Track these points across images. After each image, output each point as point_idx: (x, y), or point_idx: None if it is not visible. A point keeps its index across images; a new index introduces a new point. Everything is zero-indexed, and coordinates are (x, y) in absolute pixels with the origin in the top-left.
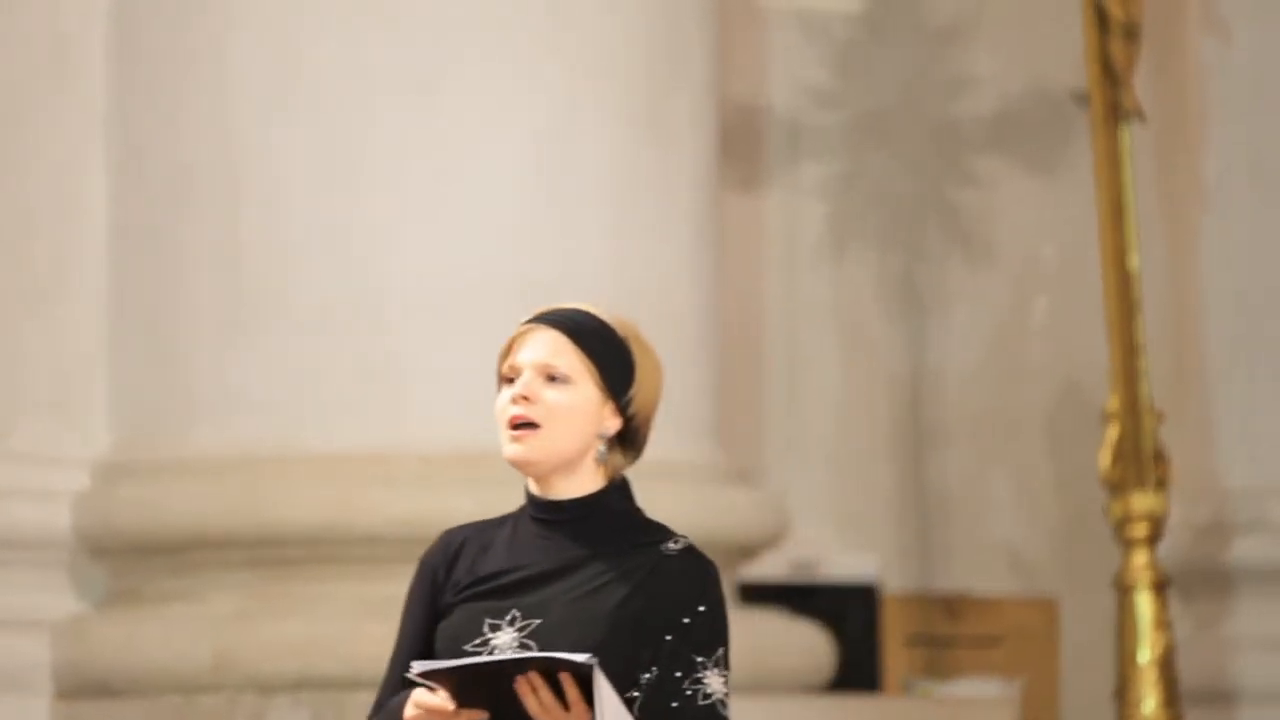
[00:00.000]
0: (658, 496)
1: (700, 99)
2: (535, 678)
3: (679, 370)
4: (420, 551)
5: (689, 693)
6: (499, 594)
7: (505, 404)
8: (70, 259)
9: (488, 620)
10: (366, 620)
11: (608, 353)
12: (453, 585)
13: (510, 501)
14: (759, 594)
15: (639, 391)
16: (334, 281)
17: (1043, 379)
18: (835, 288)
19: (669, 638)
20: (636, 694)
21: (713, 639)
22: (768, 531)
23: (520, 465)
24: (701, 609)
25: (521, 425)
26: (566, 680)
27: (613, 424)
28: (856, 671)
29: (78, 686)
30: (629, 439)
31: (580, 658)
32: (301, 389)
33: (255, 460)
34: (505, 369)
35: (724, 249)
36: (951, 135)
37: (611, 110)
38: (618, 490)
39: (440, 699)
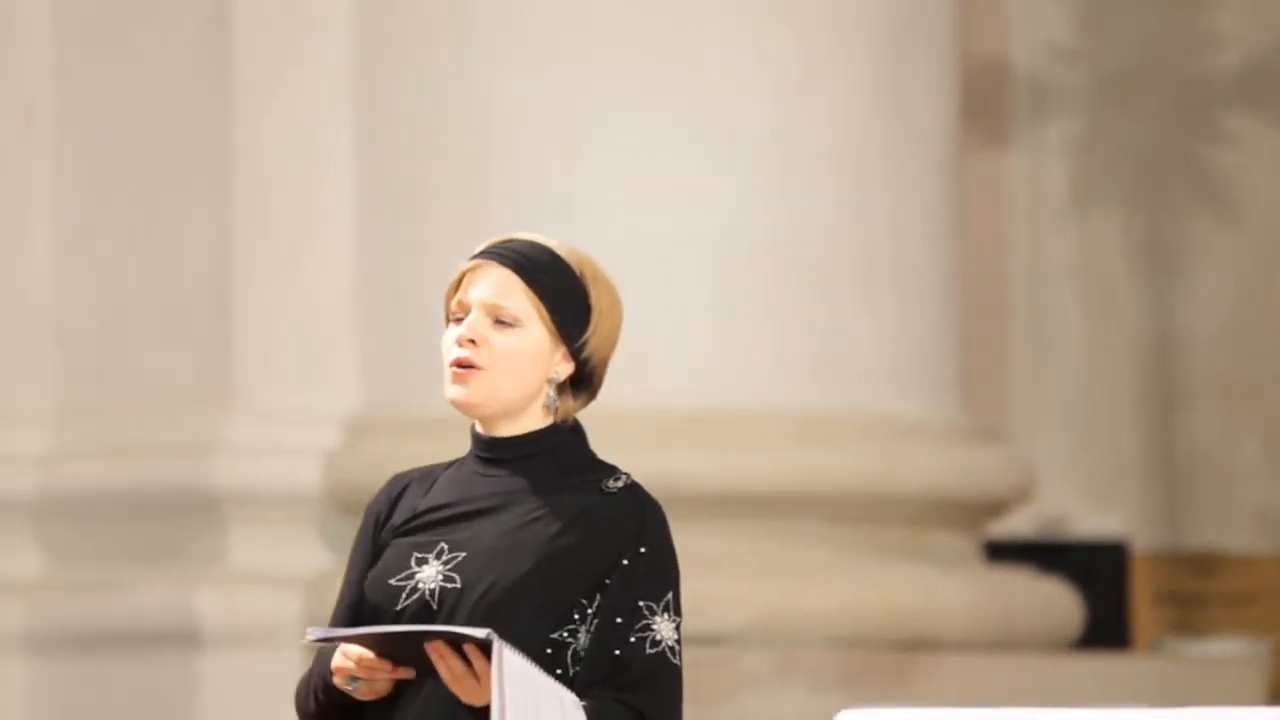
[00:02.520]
0: (902, 455)
1: (941, 58)
2: (441, 646)
3: (920, 329)
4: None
5: (633, 640)
6: (429, 528)
7: (449, 345)
8: (317, 220)
9: (415, 554)
10: None
11: (561, 293)
12: (390, 526)
13: (744, 462)
14: (1006, 552)
15: (594, 334)
16: (580, 240)
17: None
18: (1080, 247)
19: (608, 581)
20: (566, 635)
21: (658, 581)
22: (1014, 490)
23: (461, 407)
24: (642, 550)
25: (465, 366)
26: (472, 651)
27: (564, 368)
28: (1105, 630)
29: None
30: (582, 382)
31: (479, 632)
32: None
33: None
34: (453, 305)
35: (967, 208)
36: (1196, 92)
37: (851, 70)
38: (567, 430)
39: (367, 650)
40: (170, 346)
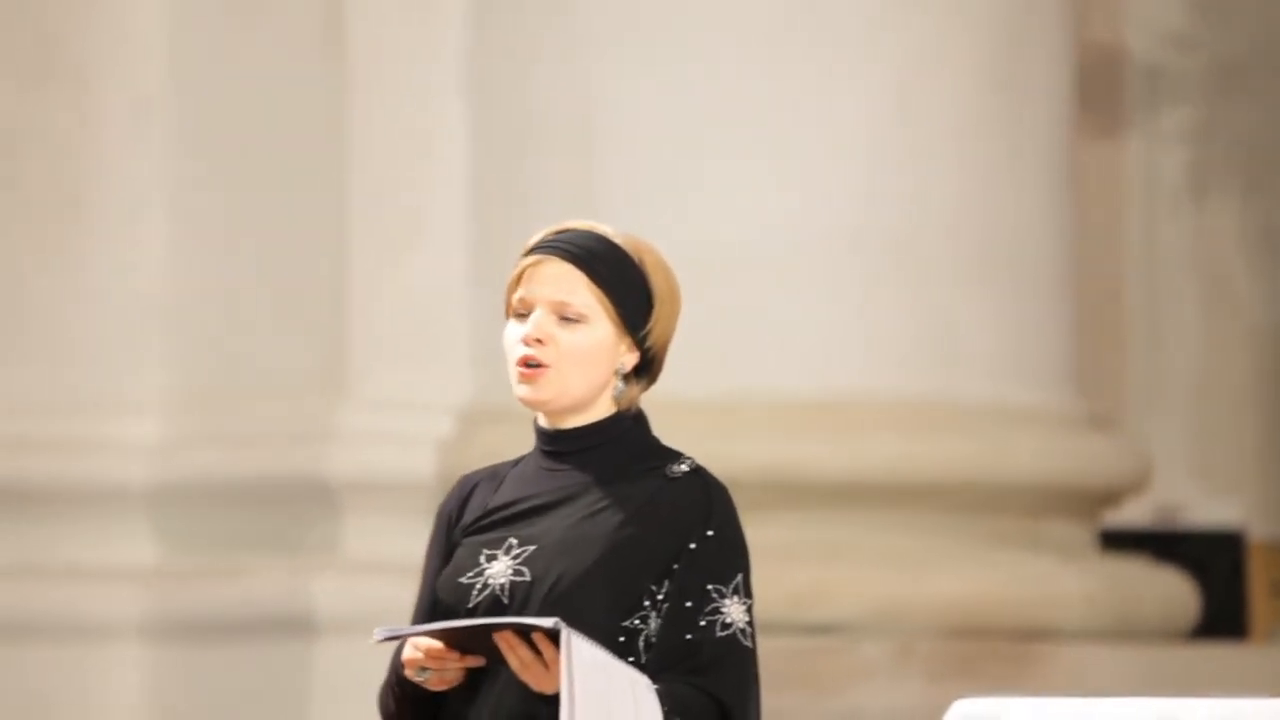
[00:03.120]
0: (1018, 444)
1: (1055, 46)
2: (510, 637)
3: (1036, 317)
4: (777, 498)
5: (704, 624)
6: (499, 525)
7: (515, 343)
8: (430, 207)
9: (484, 552)
10: None
11: (625, 286)
12: (461, 526)
13: (860, 450)
14: (1121, 541)
15: (657, 323)
16: (685, 229)
17: None
18: (1196, 236)
19: (676, 566)
20: (638, 622)
21: (727, 564)
22: (1129, 478)
23: (532, 405)
24: (710, 533)
25: (533, 365)
26: (540, 640)
27: (630, 359)
28: (1221, 620)
29: None
30: (644, 368)
31: (546, 622)
32: None
33: None
34: (515, 302)
35: (1082, 196)
36: None
37: (964, 58)
38: (630, 419)
39: (432, 641)
40: (285, 335)
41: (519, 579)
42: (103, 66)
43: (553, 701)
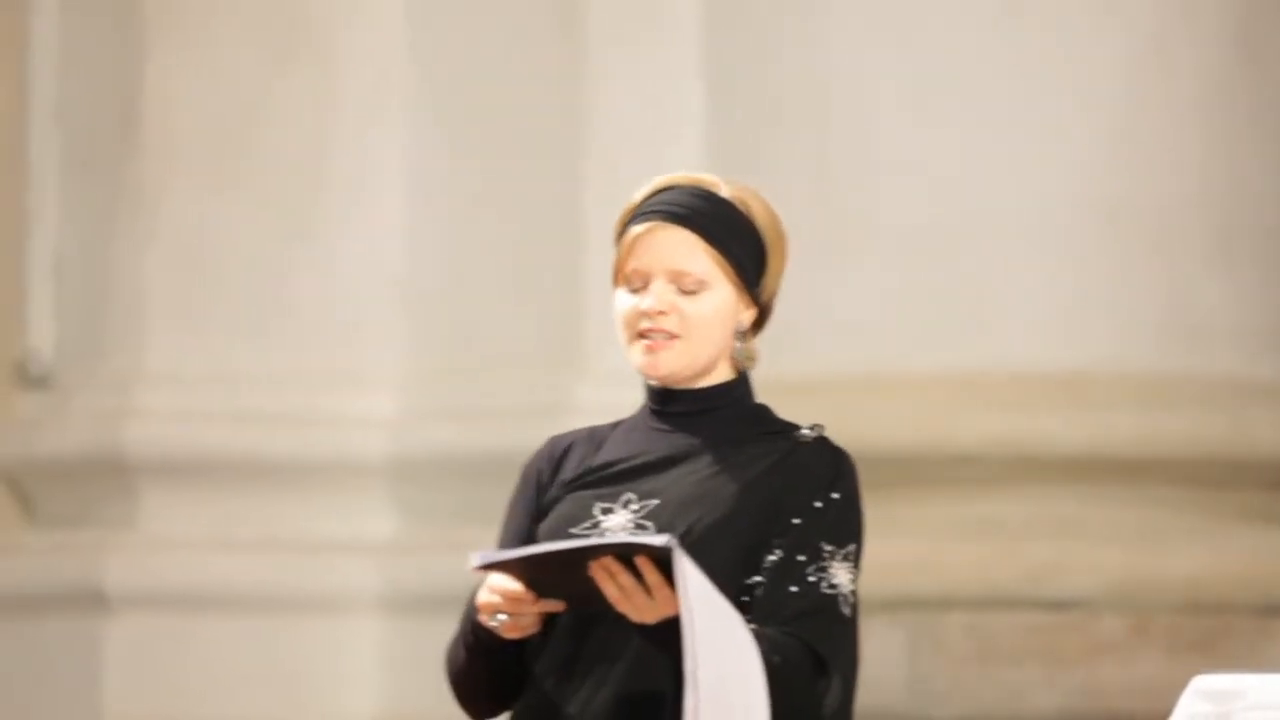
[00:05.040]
0: (1257, 419)
1: None
2: (611, 562)
3: (1276, 291)
4: (1016, 472)
5: (812, 579)
6: (612, 480)
7: (632, 314)
8: None
9: (599, 504)
10: (960, 541)
11: (740, 245)
12: (559, 483)
13: (1098, 425)
14: None
15: (770, 274)
16: (922, 203)
17: None
18: None
19: (796, 521)
20: (760, 579)
21: (845, 530)
22: None
23: (661, 378)
24: (835, 495)
25: (657, 334)
26: (644, 564)
27: (748, 316)
28: None
29: None
30: (757, 321)
31: (658, 540)
32: (891, 311)
33: (846, 381)
34: (628, 271)
35: None
36: None
37: (1207, 29)
38: (744, 383)
39: (513, 583)
40: (521, 310)
41: (642, 530)
42: (344, 44)
43: (655, 635)
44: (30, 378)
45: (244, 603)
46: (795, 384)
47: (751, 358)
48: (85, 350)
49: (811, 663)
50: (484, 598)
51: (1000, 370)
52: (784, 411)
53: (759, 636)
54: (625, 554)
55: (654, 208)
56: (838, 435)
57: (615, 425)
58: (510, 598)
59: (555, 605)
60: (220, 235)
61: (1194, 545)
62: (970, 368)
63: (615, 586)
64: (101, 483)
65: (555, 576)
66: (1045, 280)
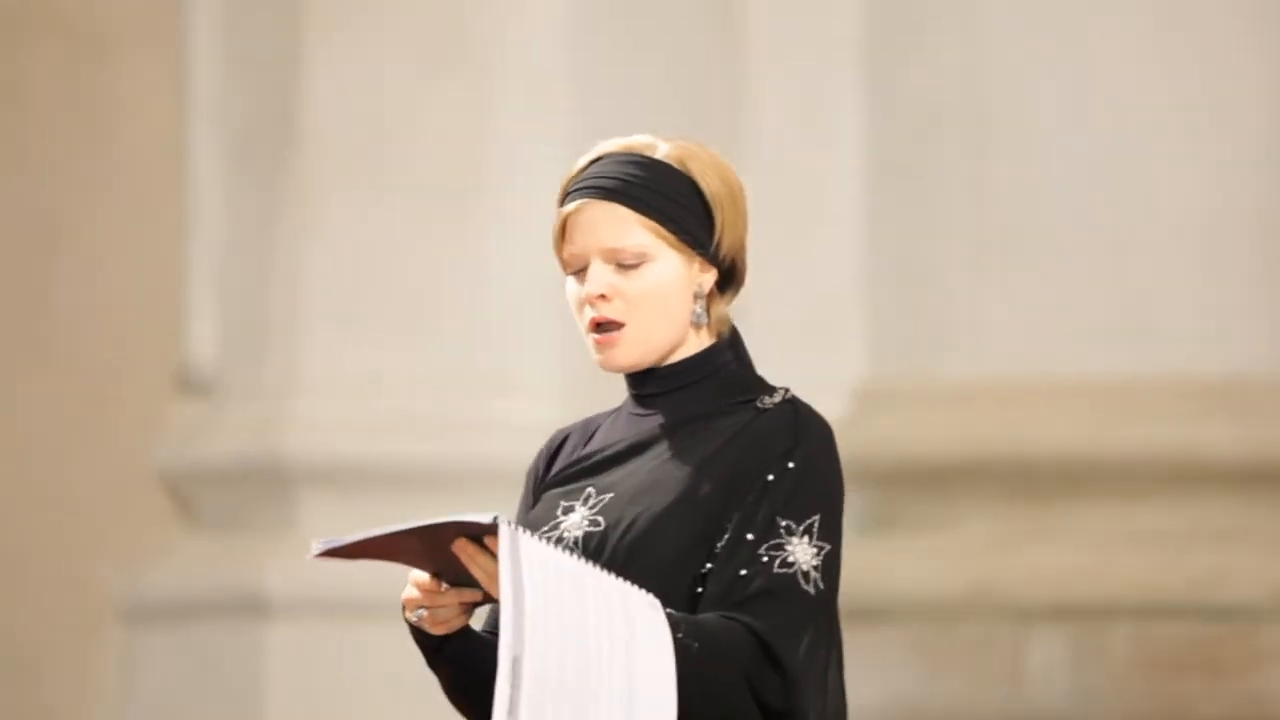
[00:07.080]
0: None
1: None
2: (468, 546)
3: None
4: (1177, 481)
5: (765, 559)
6: (579, 476)
7: (579, 304)
8: (827, 194)
9: (561, 504)
10: (1121, 550)
11: (676, 206)
12: (547, 480)
13: (1261, 433)
14: None
15: (724, 230)
16: (1083, 212)
17: None
18: None
19: (750, 498)
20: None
21: (804, 501)
22: None
23: (617, 370)
24: (791, 465)
25: (606, 327)
26: (492, 544)
27: (707, 279)
28: None
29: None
30: (726, 279)
31: (484, 517)
32: (1052, 318)
33: (1007, 389)
34: (565, 257)
35: None
36: None
37: None
38: (726, 348)
39: (421, 573)
40: None
41: (594, 529)
42: (501, 50)
43: None
44: (191, 385)
45: None
46: (954, 392)
47: (720, 318)
48: (244, 355)
49: (752, 649)
50: (406, 592)
51: (1161, 378)
52: (942, 420)
53: (678, 620)
54: (474, 534)
55: (581, 184)
56: (998, 443)
57: (613, 412)
58: (422, 589)
59: (472, 595)
60: (377, 240)
61: None
62: (1130, 376)
63: (479, 569)
64: (261, 488)
65: (451, 562)
66: (1204, 288)
